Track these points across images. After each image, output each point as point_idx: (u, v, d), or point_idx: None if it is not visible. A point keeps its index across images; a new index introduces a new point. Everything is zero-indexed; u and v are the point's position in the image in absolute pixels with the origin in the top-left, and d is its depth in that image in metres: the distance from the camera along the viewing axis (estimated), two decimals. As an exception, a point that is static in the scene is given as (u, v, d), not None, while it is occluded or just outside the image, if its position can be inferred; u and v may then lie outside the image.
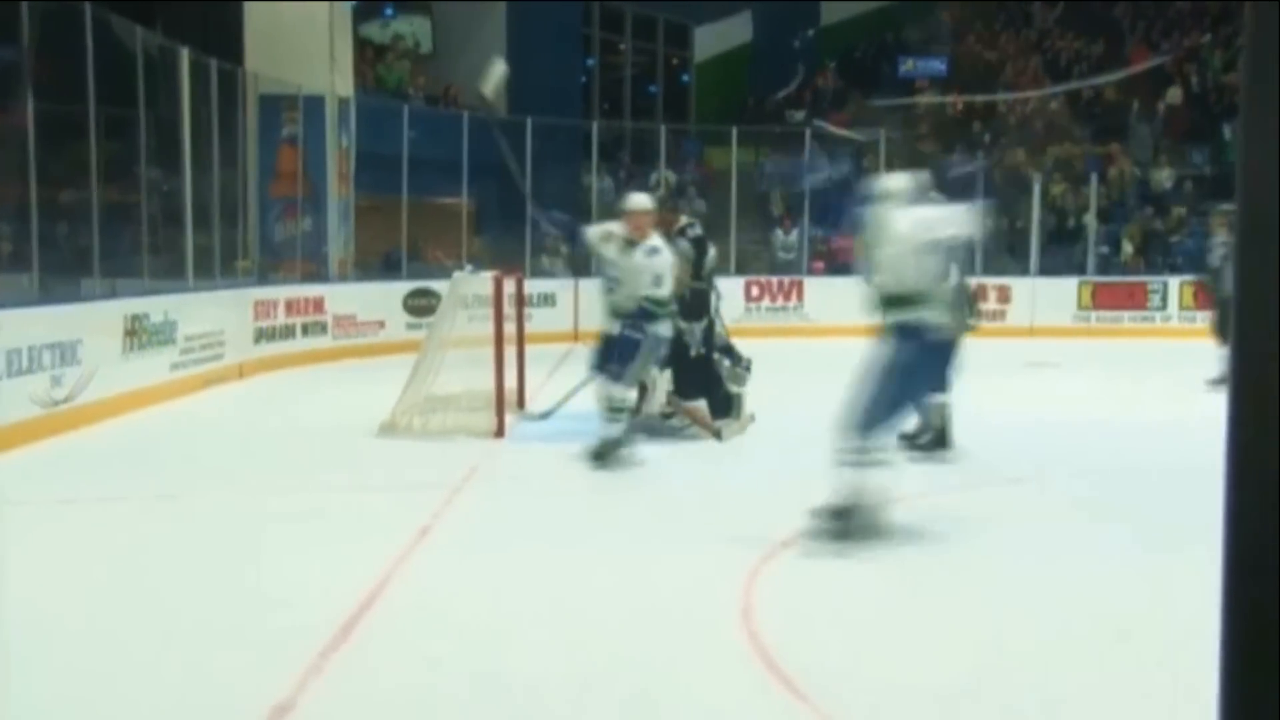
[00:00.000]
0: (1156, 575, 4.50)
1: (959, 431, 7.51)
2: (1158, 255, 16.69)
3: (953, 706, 3.32)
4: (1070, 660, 3.64)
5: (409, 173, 14.28)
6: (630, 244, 6.71)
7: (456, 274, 8.50)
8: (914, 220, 5.03)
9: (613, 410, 6.69)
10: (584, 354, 8.84)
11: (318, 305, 12.03)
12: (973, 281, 7.04)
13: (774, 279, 16.39)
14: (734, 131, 17.49)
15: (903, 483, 6.17)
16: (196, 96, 10.75)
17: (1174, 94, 19.35)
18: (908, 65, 22.75)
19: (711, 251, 8.07)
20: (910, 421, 6.84)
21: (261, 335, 11.23)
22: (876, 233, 5.10)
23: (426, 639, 3.79)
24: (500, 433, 7.52)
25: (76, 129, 8.86)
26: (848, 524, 4.90)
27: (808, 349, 13.05)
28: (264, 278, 12.23)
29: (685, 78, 24.04)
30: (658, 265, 6.62)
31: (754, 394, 7.80)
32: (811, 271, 16.87)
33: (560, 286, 14.70)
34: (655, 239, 6.78)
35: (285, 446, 7.42)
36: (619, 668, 3.56)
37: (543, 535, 5.16)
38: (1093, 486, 6.30)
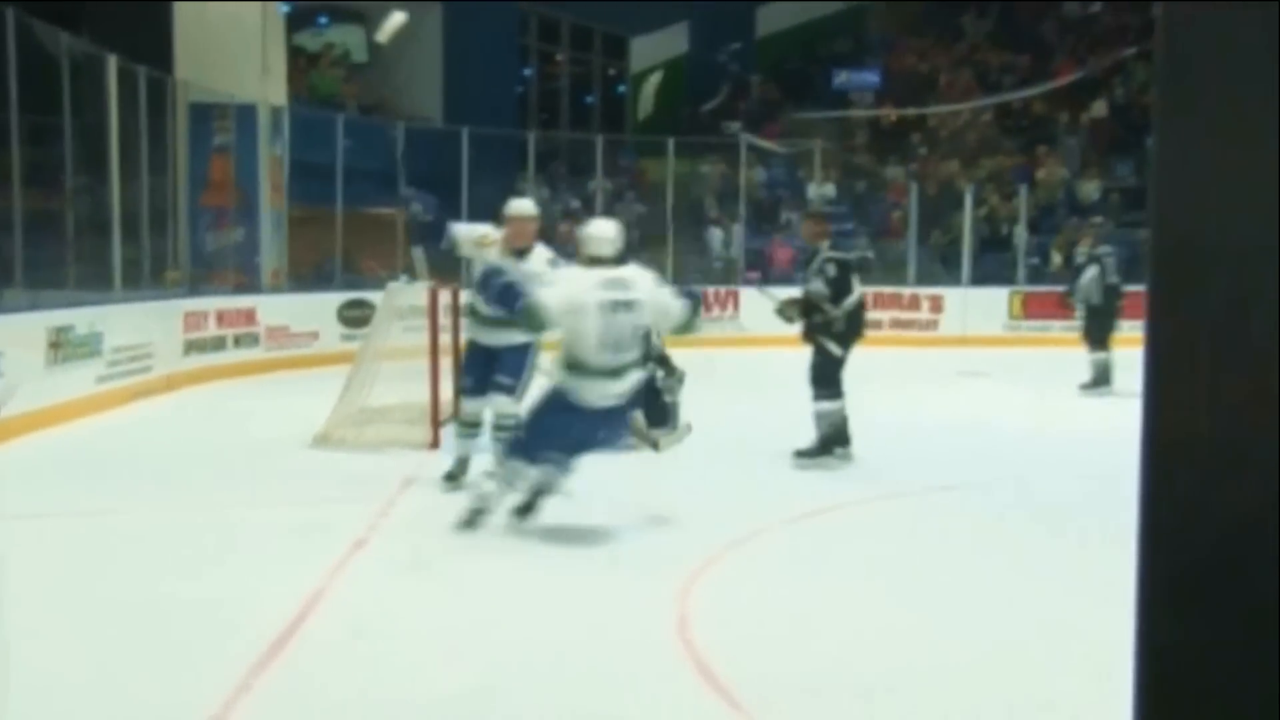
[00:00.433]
0: (1077, 579, 4.57)
1: (895, 440, 7.61)
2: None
3: (883, 709, 3.34)
4: (995, 662, 3.69)
5: (343, 183, 14.15)
6: (519, 252, 6.17)
7: (391, 285, 8.44)
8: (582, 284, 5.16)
9: (504, 429, 6.09)
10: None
11: (250, 316, 11.86)
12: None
13: (710, 289, 16.45)
14: (670, 142, 17.56)
15: (835, 491, 6.25)
16: (124, 104, 10.58)
17: (1099, 107, 19.74)
18: (841, 77, 22.98)
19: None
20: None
21: (192, 347, 11.05)
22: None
23: (359, 655, 3.75)
24: (435, 445, 7.46)
25: (0, 136, 8.68)
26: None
27: (743, 359, 13.12)
28: (194, 288, 12.04)
29: (621, 88, 24.10)
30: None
31: (690, 405, 7.82)
32: (746, 281, 16.96)
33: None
34: (545, 248, 6.32)
35: (216, 460, 7.30)
36: (555, 681, 3.54)
37: (478, 549, 5.12)
38: (1020, 493, 6.39)
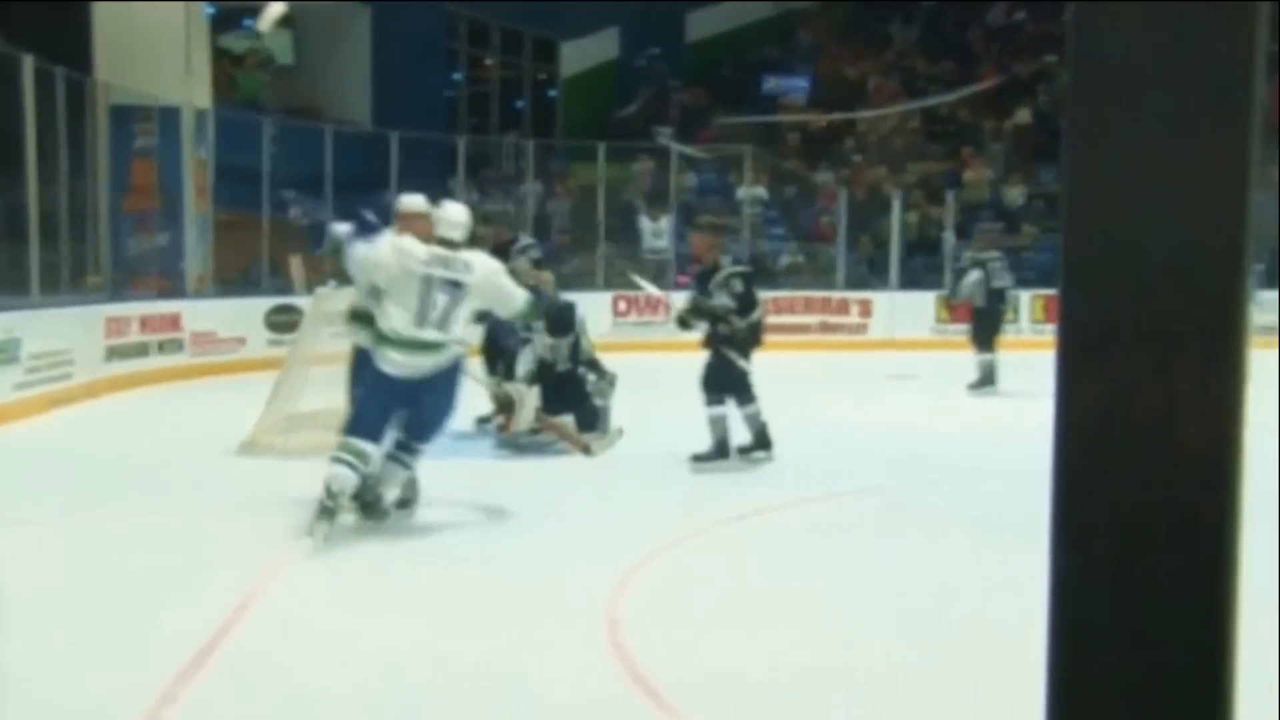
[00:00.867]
0: (1005, 579, 4.63)
1: (824, 442, 7.67)
2: (1012, 270, 17.26)
3: (811, 710, 3.36)
4: (922, 662, 3.73)
5: (270, 187, 13.95)
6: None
7: (320, 290, 8.32)
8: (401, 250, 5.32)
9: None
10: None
11: (174, 322, 11.64)
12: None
13: (641, 294, 16.47)
14: (601, 147, 17.56)
15: (766, 495, 6.28)
16: (41, 105, 10.32)
17: (1023, 114, 20.10)
18: (770, 83, 23.16)
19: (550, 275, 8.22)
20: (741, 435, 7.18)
21: (114, 353, 10.81)
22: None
23: (288, 663, 3.69)
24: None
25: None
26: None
27: (675, 364, 13.13)
28: (117, 294, 11.79)
29: (552, 93, 24.06)
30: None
31: (622, 409, 7.82)
32: (677, 286, 17.00)
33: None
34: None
35: (140, 467, 7.14)
36: (486, 686, 3.51)
37: (408, 554, 5.07)
38: (946, 493, 6.48)
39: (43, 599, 4.38)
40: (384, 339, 5.31)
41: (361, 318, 5.57)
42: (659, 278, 16.73)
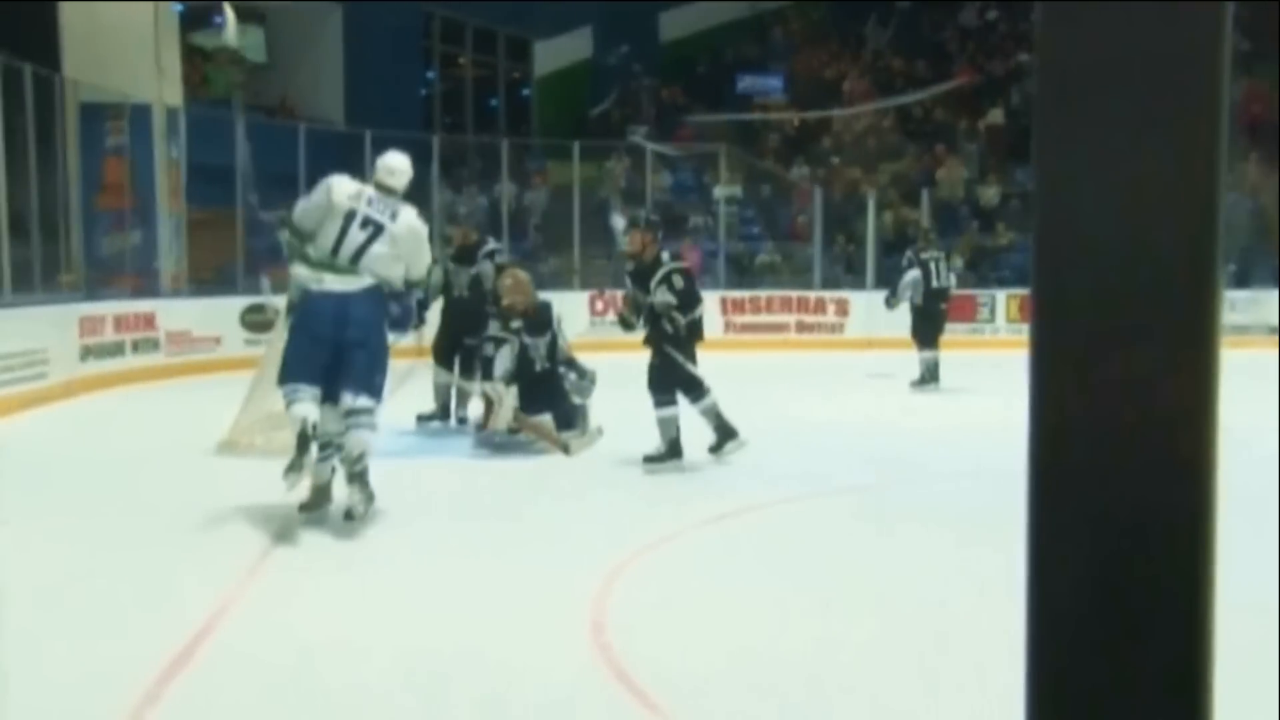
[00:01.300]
0: (985, 578, 4.67)
1: (804, 441, 7.68)
2: (986, 270, 17.38)
3: (795, 707, 3.39)
4: (904, 660, 3.76)
5: (243, 185, 13.88)
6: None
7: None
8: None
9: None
10: (426, 371, 8.74)
11: (149, 321, 11.57)
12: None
13: (619, 293, 16.46)
14: (575, 146, 17.55)
15: (746, 493, 6.30)
16: (9, 102, 10.24)
17: (995, 114, 20.21)
18: (745, 82, 23.19)
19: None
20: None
21: (89, 353, 10.74)
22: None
23: (270, 661, 3.68)
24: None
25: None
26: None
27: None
28: (91, 293, 11.71)
29: (526, 92, 24.01)
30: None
31: (601, 408, 7.83)
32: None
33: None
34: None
35: (118, 467, 7.10)
36: (469, 688, 3.51)
37: (389, 553, 5.07)
38: (926, 492, 6.51)
39: (20, 600, 4.36)
40: (304, 260, 5.47)
41: (295, 234, 5.60)
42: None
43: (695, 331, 7.15)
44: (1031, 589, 0.87)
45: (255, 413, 7.58)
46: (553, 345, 7.67)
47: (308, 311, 5.45)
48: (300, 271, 5.53)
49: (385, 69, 18.52)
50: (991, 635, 3.91)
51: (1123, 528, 0.82)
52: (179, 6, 14.39)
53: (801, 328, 15.92)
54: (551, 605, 4.30)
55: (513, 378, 7.52)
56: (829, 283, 17.02)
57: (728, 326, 16.45)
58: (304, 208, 5.62)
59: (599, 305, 16.04)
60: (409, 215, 5.64)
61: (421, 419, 8.54)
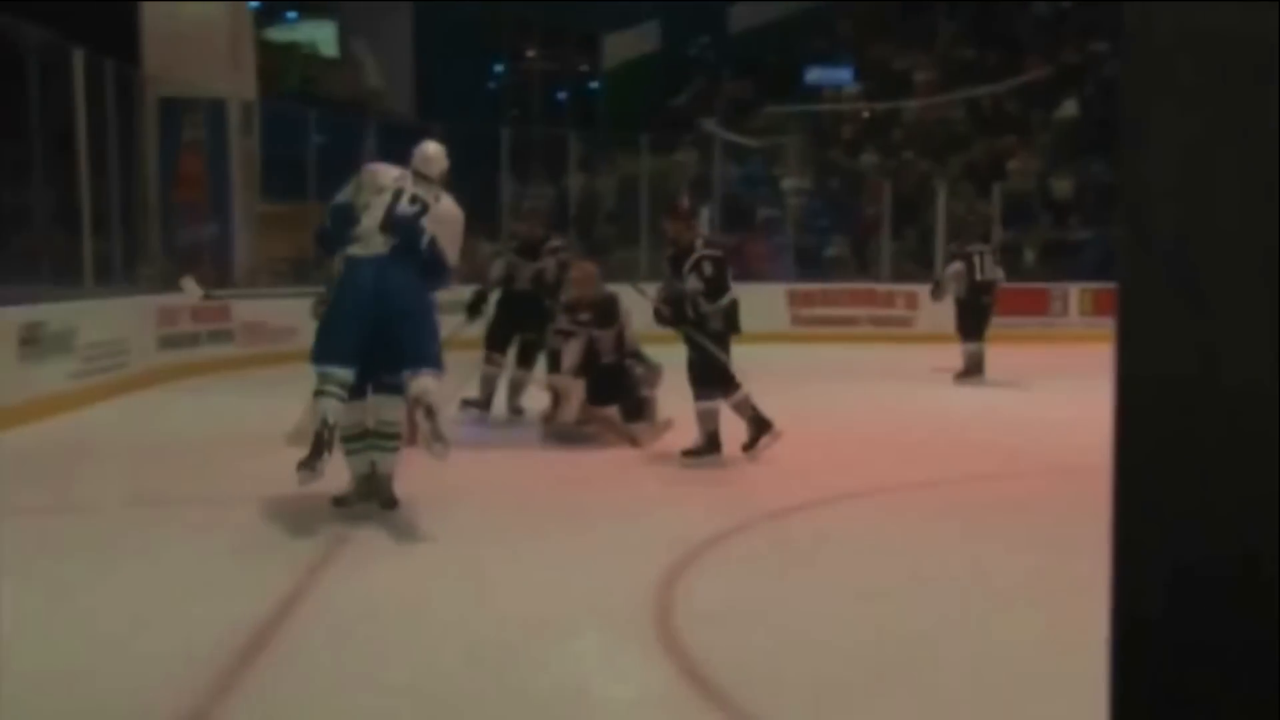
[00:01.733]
0: (1057, 574, 4.60)
1: (872, 436, 7.61)
2: (1060, 263, 17.13)
3: (866, 704, 3.35)
4: (968, 656, 3.71)
5: (317, 178, 14.07)
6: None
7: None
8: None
9: (393, 437, 5.60)
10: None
11: (224, 313, 11.77)
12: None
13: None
14: (644, 138, 17.55)
15: (817, 487, 6.26)
16: (92, 98, 10.47)
17: (1070, 106, 19.88)
18: (814, 74, 23.06)
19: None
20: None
21: (166, 343, 10.95)
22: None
23: (341, 649, 3.72)
24: (412, 440, 7.40)
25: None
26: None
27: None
28: (169, 285, 11.93)
29: (594, 85, 24.08)
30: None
31: (669, 401, 7.82)
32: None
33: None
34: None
35: (192, 456, 7.24)
36: (535, 675, 3.53)
37: (456, 543, 5.10)
38: (999, 488, 6.43)
39: (94, 584, 4.45)
40: (350, 240, 5.40)
41: (335, 222, 5.60)
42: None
43: (731, 323, 7.02)
44: (1116, 585, 0.85)
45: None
46: (620, 337, 7.68)
47: (346, 283, 5.34)
48: (350, 251, 5.45)
49: (455, 63, 18.69)
50: (1068, 632, 3.85)
51: (1210, 527, 0.80)
52: (255, 3, 14.63)
53: (871, 321, 15.79)
54: (617, 596, 4.30)
55: (580, 370, 7.53)
56: (898, 276, 16.88)
57: (795, 320, 16.39)
58: (345, 191, 5.64)
59: (666, 298, 16.02)
60: (449, 200, 5.68)
61: (466, 404, 8.60)
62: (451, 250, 5.67)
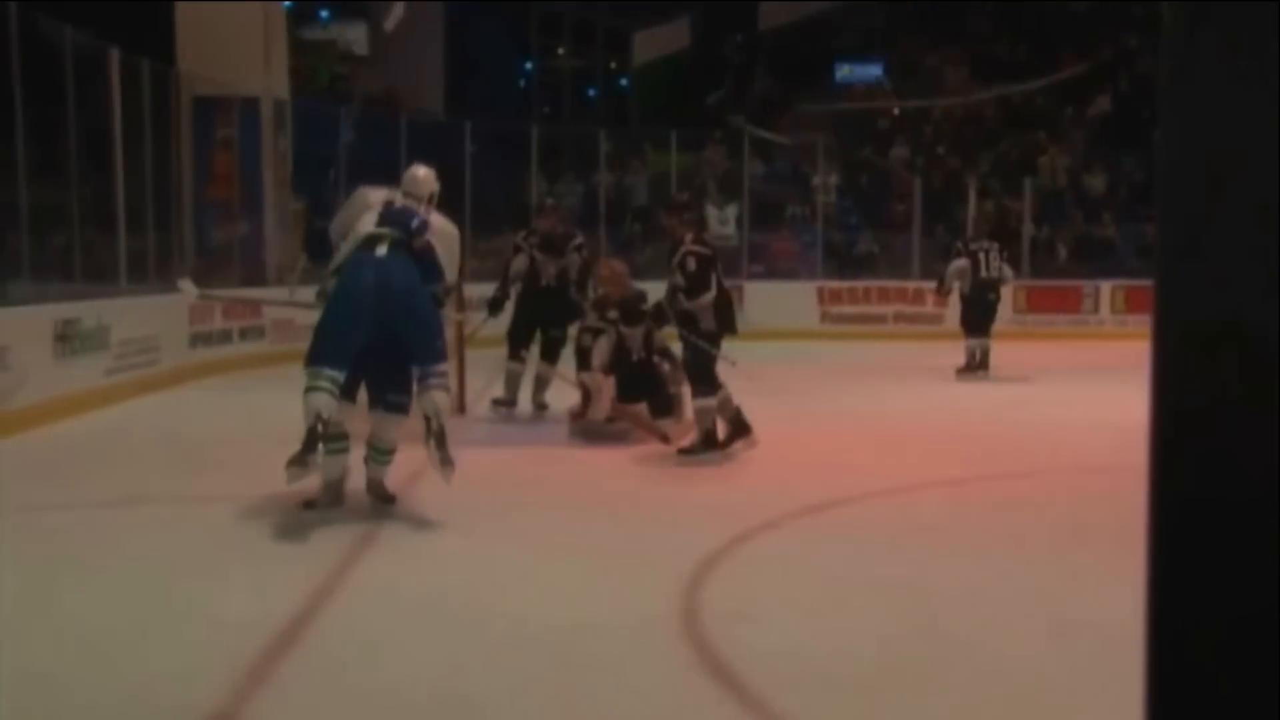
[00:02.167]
0: (1091, 573, 4.57)
1: (900, 434, 7.57)
2: (1091, 259, 17.00)
3: (897, 700, 3.34)
4: (996, 652, 3.69)
5: (347, 176, 14.16)
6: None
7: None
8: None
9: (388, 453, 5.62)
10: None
11: (255, 310, 11.85)
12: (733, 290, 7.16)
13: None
14: (673, 135, 17.53)
15: (844, 486, 6.25)
16: (127, 97, 10.57)
17: (1103, 101, 19.71)
18: (844, 70, 22.98)
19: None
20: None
21: (198, 340, 11.05)
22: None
23: (370, 645, 3.75)
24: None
25: (4, 129, 8.68)
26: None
27: (750, 353, 13.08)
28: (200, 282, 12.02)
29: (624, 81, 24.09)
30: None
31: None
32: (751, 275, 16.96)
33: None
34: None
35: (223, 452, 7.29)
36: (563, 676, 3.53)
37: (486, 540, 5.12)
38: (1025, 487, 6.40)
39: (128, 579, 4.50)
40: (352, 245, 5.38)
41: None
42: (732, 275, 16.62)
43: (722, 320, 6.96)
44: (1152, 584, 0.84)
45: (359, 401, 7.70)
46: (648, 335, 7.68)
47: (347, 283, 5.30)
48: (350, 252, 5.45)
49: (485, 60, 18.73)
50: (1098, 633, 3.82)
51: (1246, 530, 0.79)
52: (288, 3, 14.72)
53: (900, 319, 15.72)
54: (645, 592, 4.31)
55: (609, 368, 7.55)
56: (928, 273, 16.78)
57: (825, 317, 16.34)
58: (338, 219, 5.69)
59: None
60: (442, 217, 5.67)
61: (496, 404, 8.67)
62: (450, 267, 5.66)
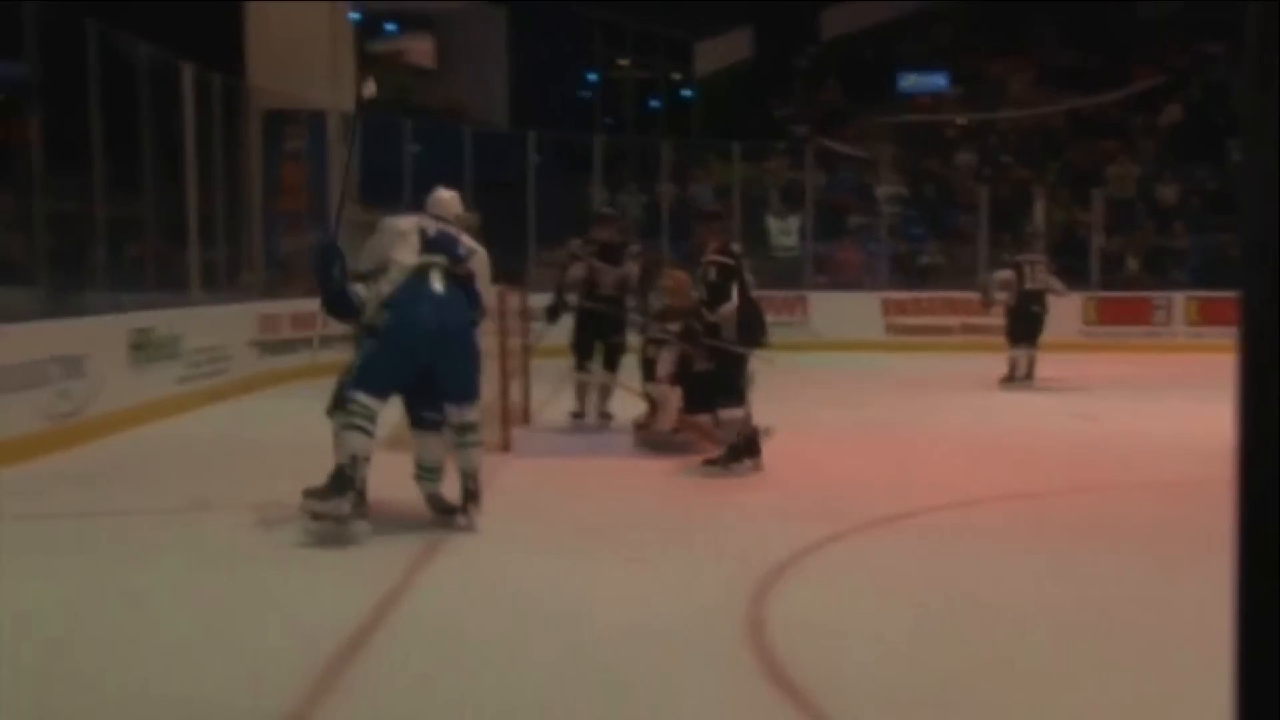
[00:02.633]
0: (1157, 588, 4.48)
1: (966, 447, 7.49)
2: (1163, 270, 16.71)
3: (960, 717, 3.30)
4: (1064, 670, 3.62)
5: (413, 187, 14.30)
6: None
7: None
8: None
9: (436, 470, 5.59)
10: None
11: (322, 319, 11.99)
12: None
13: (779, 294, 16.38)
14: (736, 146, 17.50)
15: (912, 499, 6.18)
16: (200, 111, 10.77)
17: (1174, 110, 19.37)
18: (908, 80, 22.82)
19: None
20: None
21: (266, 349, 11.21)
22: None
23: (434, 655, 3.77)
24: (506, 447, 7.48)
25: (81, 143, 8.88)
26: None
27: (814, 363, 13.02)
28: (269, 292, 12.22)
29: (686, 92, 24.10)
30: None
31: (765, 409, 7.77)
32: (814, 286, 16.88)
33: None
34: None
35: (291, 461, 7.37)
36: (628, 687, 3.53)
37: (549, 552, 5.13)
38: (1094, 501, 6.30)
39: (201, 584, 4.57)
40: (401, 288, 5.30)
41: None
42: (795, 285, 16.56)
43: (748, 330, 6.81)
44: (1241, 607, 0.82)
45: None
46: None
47: (405, 316, 5.24)
48: (372, 291, 5.44)
49: (548, 72, 18.84)
50: (1173, 650, 3.75)
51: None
52: (356, 15, 14.93)
53: (966, 330, 15.54)
54: (710, 601, 4.29)
55: (675, 378, 7.53)
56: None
57: (889, 328, 16.21)
58: (367, 248, 5.61)
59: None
60: (470, 239, 5.62)
61: (575, 417, 8.72)
62: (486, 291, 5.66)
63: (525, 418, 8.57)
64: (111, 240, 9.35)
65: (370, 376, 5.22)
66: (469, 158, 14.90)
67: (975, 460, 7.54)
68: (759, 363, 7.01)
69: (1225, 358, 0.83)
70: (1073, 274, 16.35)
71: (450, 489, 5.54)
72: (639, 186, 18.25)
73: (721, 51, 23.96)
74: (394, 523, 5.48)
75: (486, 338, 7.51)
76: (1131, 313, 15.98)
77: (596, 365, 8.73)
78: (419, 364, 5.28)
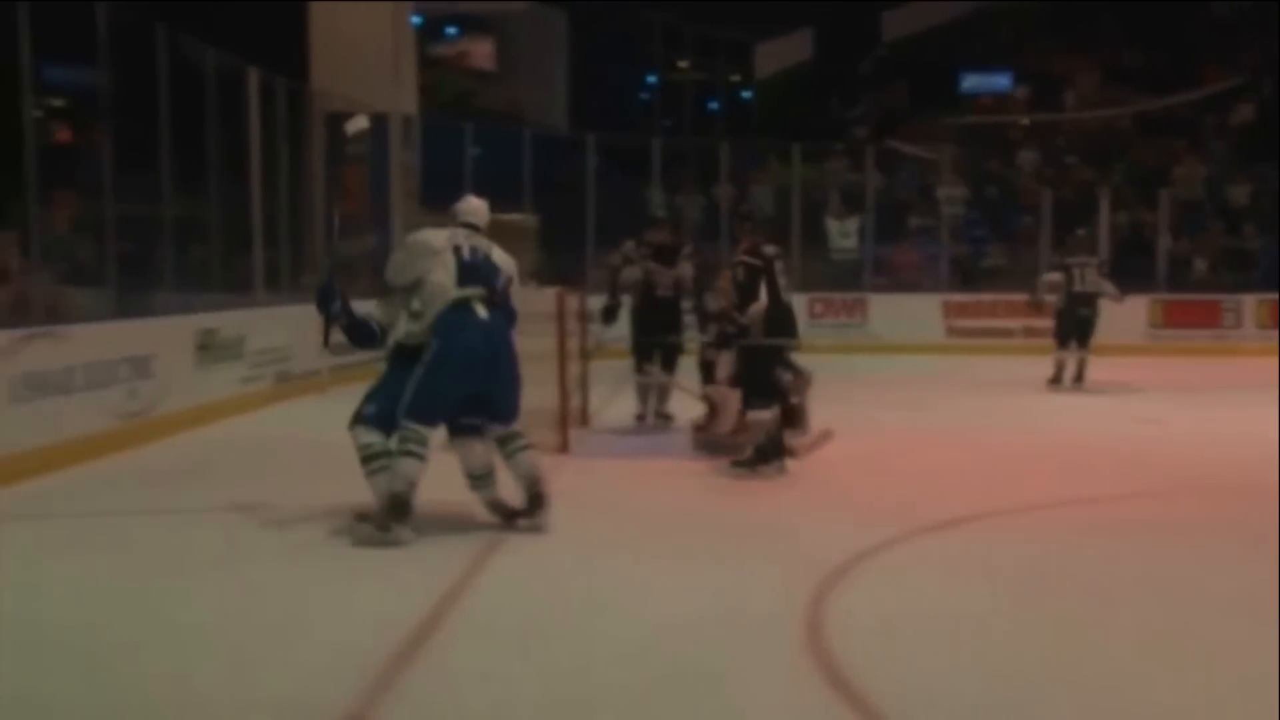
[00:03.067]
0: (1217, 592, 4.39)
1: (1031, 451, 7.38)
2: (1233, 272, 16.38)
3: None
4: (1133, 673, 3.56)
5: (474, 190, 14.40)
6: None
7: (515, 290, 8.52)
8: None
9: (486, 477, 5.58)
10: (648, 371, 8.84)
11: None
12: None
13: (838, 296, 16.29)
14: (796, 148, 17.41)
15: (972, 502, 6.10)
16: (265, 115, 10.91)
17: (1245, 110, 18.99)
18: (971, 81, 22.58)
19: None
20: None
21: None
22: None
23: (493, 654, 3.78)
24: (565, 449, 7.50)
25: (150, 147, 9.03)
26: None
27: (874, 365, 12.91)
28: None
29: (746, 94, 24.03)
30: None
31: (824, 411, 7.73)
32: (874, 288, 16.76)
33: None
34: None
35: (352, 461, 7.43)
36: (686, 687, 3.52)
37: (608, 553, 5.13)
38: (1162, 504, 6.19)
39: (261, 579, 4.62)
40: (445, 316, 5.29)
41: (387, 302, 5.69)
42: (856, 287, 16.46)
43: (778, 329, 6.75)
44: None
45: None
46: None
47: (456, 343, 5.25)
48: (400, 304, 5.53)
49: (607, 75, 18.88)
50: (1247, 655, 3.67)
51: None
52: (418, 18, 15.05)
53: (1029, 333, 15.32)
54: (768, 607, 4.27)
55: (735, 381, 7.50)
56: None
57: (950, 331, 16.05)
58: (395, 263, 5.59)
59: (818, 308, 15.88)
60: (499, 250, 5.60)
61: (639, 419, 8.76)
62: (517, 297, 5.67)
63: (584, 419, 8.59)
64: (178, 242, 9.51)
65: (422, 405, 5.25)
66: (528, 160, 14.97)
67: (1037, 463, 7.43)
68: (804, 362, 6.92)
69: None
70: (1139, 276, 16.09)
71: (508, 491, 5.55)
72: (697, 189, 18.22)
73: (781, 53, 23.86)
74: (453, 523, 5.51)
75: (537, 339, 7.55)
76: (1199, 315, 15.69)
77: (655, 366, 8.73)
78: (474, 388, 5.33)
